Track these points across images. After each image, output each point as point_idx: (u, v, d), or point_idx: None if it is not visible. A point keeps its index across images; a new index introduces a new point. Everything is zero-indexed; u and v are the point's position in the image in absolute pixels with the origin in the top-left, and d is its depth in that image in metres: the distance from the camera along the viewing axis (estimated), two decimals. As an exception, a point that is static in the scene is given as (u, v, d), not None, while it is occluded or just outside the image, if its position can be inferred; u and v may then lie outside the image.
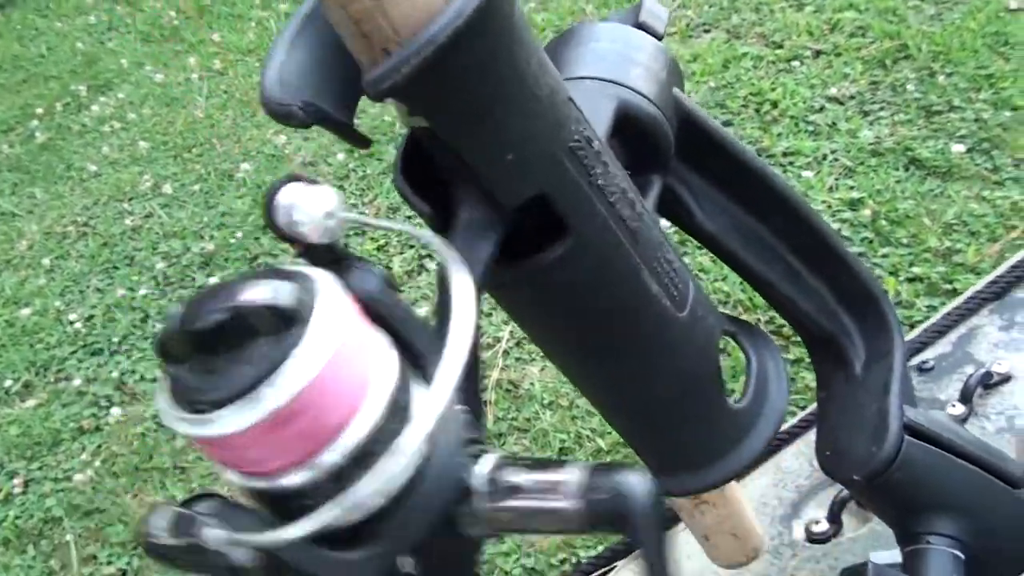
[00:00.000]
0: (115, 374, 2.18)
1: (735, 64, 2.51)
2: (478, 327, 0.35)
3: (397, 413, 0.32)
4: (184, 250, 2.52)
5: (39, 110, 3.52)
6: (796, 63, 2.47)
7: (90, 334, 2.33)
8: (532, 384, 1.85)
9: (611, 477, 0.35)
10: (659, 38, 0.55)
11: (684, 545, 0.82)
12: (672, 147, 0.52)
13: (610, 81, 0.50)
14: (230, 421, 0.29)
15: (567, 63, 0.52)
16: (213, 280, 2.36)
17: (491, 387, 1.87)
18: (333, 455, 0.31)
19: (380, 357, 0.33)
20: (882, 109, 2.24)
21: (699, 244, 0.59)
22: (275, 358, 0.29)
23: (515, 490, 0.35)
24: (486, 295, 0.48)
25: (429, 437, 0.32)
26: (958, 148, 2.03)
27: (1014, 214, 1.86)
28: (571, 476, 0.35)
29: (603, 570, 0.93)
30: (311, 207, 0.34)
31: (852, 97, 2.31)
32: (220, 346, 0.30)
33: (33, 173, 3.15)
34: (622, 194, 0.45)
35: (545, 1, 3.10)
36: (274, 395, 0.29)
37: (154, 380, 2.13)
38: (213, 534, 0.30)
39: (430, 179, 0.45)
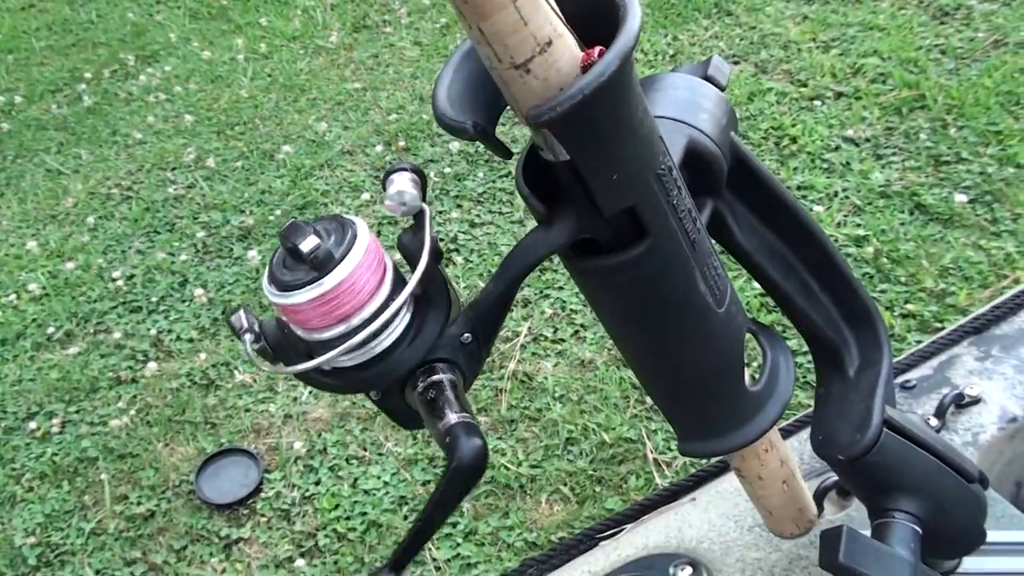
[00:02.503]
0: (152, 331, 2.31)
1: (760, 98, 2.65)
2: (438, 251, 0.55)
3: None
4: (224, 222, 2.65)
5: (87, 75, 3.65)
6: (818, 102, 2.61)
7: (130, 292, 2.46)
8: (545, 378, 1.98)
9: (460, 433, 0.51)
10: (722, 89, 0.70)
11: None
12: (725, 179, 0.66)
13: (683, 122, 0.64)
14: (299, 295, 0.51)
15: (650, 103, 0.67)
16: (251, 253, 2.49)
17: (507, 377, 2.00)
18: (353, 321, 0.52)
19: (388, 275, 0.54)
20: (894, 154, 2.38)
21: (733, 258, 0.73)
22: (324, 269, 0.51)
23: (432, 403, 0.54)
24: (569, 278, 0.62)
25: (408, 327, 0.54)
26: (961, 198, 2.17)
27: (1007, 264, 2.00)
28: (452, 417, 0.52)
29: (608, 533, 1.06)
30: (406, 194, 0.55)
31: (867, 140, 2.45)
32: (299, 259, 0.51)
33: (79, 135, 3.28)
34: (688, 212, 0.59)
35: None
36: (320, 287, 0.51)
37: (190, 340, 2.27)
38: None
39: (542, 184, 0.59)
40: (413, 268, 0.54)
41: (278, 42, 3.57)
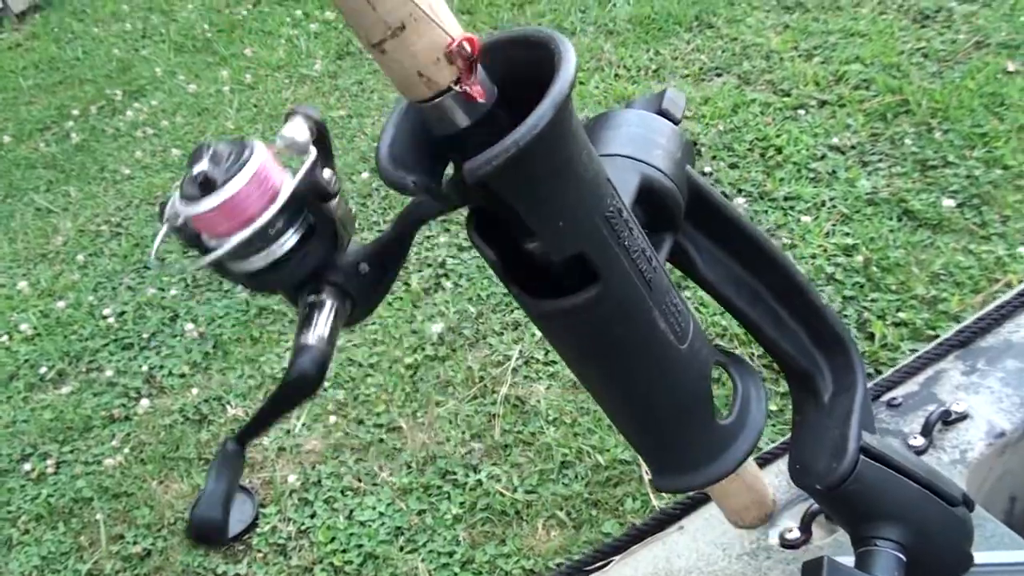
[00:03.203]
0: (144, 368, 2.31)
1: (744, 109, 2.65)
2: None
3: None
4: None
5: (74, 111, 3.66)
6: (802, 111, 2.61)
7: (121, 329, 2.46)
8: (538, 401, 1.98)
9: (303, 355, 0.56)
10: (676, 122, 0.69)
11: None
12: (682, 213, 0.66)
13: (636, 159, 0.64)
14: (205, 204, 0.54)
15: (603, 141, 0.67)
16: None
17: (499, 402, 1.99)
18: (237, 235, 0.56)
19: (283, 185, 0.57)
20: (880, 160, 2.38)
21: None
22: (224, 180, 0.55)
23: (305, 318, 0.59)
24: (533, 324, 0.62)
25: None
26: (949, 202, 2.17)
27: (998, 268, 1.99)
28: (307, 338, 0.58)
29: (597, 565, 1.05)
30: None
31: (853, 147, 2.45)
32: (205, 178, 0.55)
33: (68, 172, 3.29)
34: (642, 252, 0.59)
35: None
36: (222, 195, 0.54)
37: (182, 376, 2.27)
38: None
39: (491, 235, 0.59)
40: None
41: (263, 72, 3.58)
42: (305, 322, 0.60)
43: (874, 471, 0.70)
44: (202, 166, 0.56)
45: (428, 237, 2.50)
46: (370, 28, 0.48)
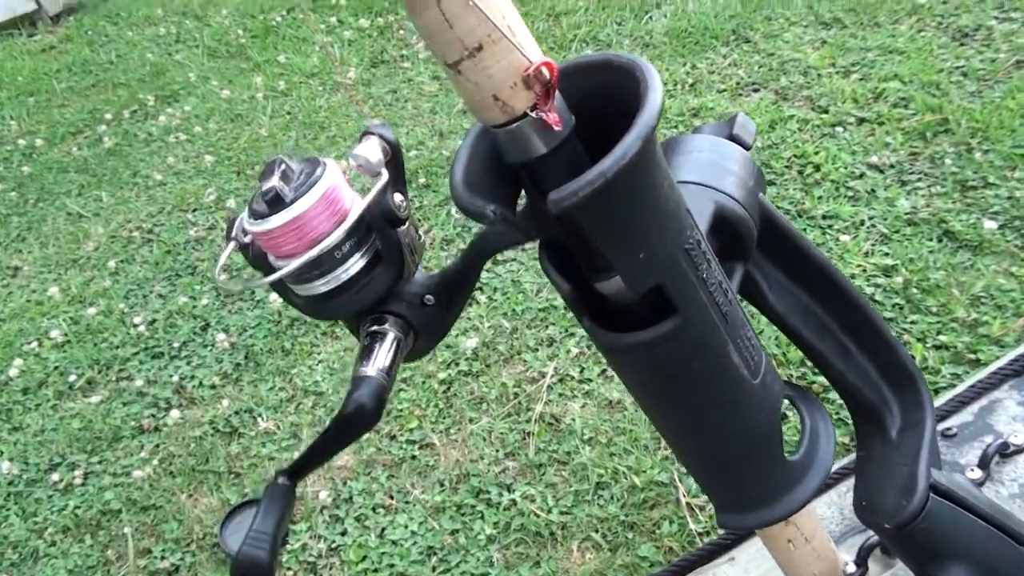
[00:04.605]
0: (175, 378, 2.30)
1: (781, 126, 2.63)
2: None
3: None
4: (245, 264, 2.64)
5: (107, 115, 3.67)
6: (840, 128, 2.58)
7: (152, 337, 2.46)
8: (573, 419, 1.95)
9: (361, 386, 0.56)
10: (748, 148, 0.67)
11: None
12: (755, 242, 0.64)
13: (710, 187, 0.62)
14: (273, 221, 0.55)
15: (674, 167, 0.65)
16: (273, 295, 2.48)
17: (534, 420, 1.97)
18: (302, 257, 0.56)
19: (347, 223, 0.57)
20: (920, 180, 2.34)
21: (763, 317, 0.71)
22: (294, 197, 0.55)
23: (366, 349, 0.60)
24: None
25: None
26: (990, 224, 2.13)
27: (1041, 292, 1.96)
28: (367, 369, 0.57)
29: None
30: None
31: (892, 166, 2.41)
32: (275, 195, 0.55)
33: (100, 176, 3.30)
34: (718, 284, 0.57)
35: (601, 50, 3.22)
36: (290, 212, 0.55)
37: (212, 387, 2.26)
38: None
39: (564, 267, 0.58)
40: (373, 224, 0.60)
41: (297, 79, 3.58)
42: (365, 352, 0.59)
43: (944, 509, 0.68)
44: (272, 182, 0.56)
45: (462, 249, 2.48)
46: (447, 47, 0.47)
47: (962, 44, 2.81)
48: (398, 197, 0.58)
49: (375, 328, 0.60)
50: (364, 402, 0.56)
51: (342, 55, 3.66)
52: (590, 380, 2.05)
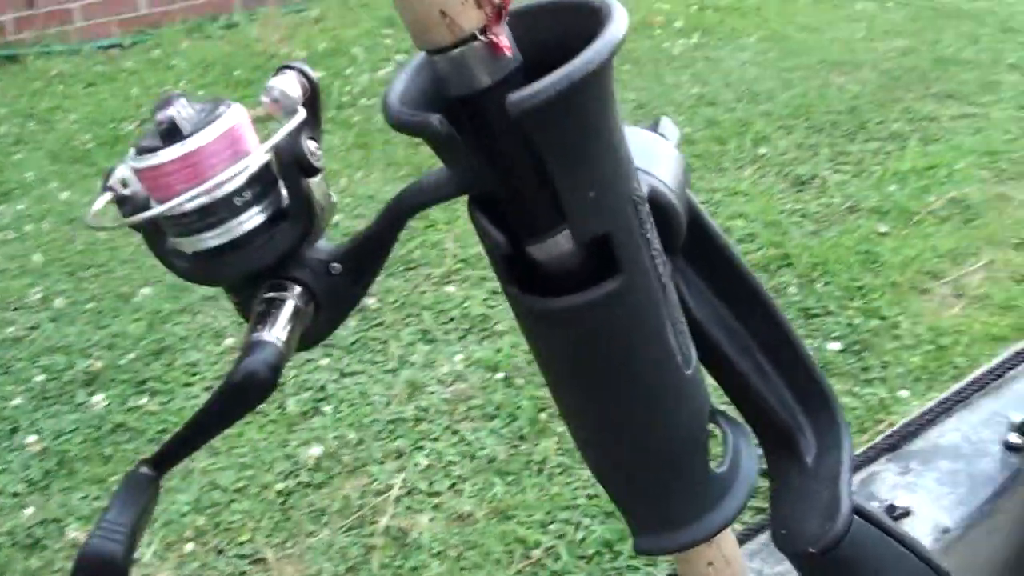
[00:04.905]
0: (-26, 485, 2.05)
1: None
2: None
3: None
4: (68, 365, 2.43)
5: (-71, 212, 3.41)
6: (690, 258, 2.66)
7: (-50, 441, 2.19)
8: (421, 533, 1.83)
9: (254, 352, 0.48)
10: None
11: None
12: (683, 236, 0.60)
13: (642, 170, 0.58)
14: (166, 154, 0.49)
15: None
16: (97, 398, 2.27)
17: (378, 533, 1.84)
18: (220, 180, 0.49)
19: (256, 155, 0.51)
20: (766, 307, 2.43)
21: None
22: (193, 130, 0.49)
23: (260, 315, 0.51)
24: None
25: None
26: (834, 346, 2.21)
27: (881, 409, 2.02)
28: (261, 334, 0.49)
29: None
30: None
31: (740, 293, 2.49)
32: (172, 125, 0.49)
33: (-88, 273, 3.02)
34: (660, 252, 0.52)
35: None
36: (187, 145, 0.49)
37: (15, 495, 2.02)
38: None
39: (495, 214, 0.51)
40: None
41: (142, 187, 3.45)
42: (260, 318, 0.50)
43: (868, 531, 0.64)
44: (169, 112, 0.49)
45: (309, 360, 2.37)
46: None
47: (800, 190, 3.00)
48: (312, 144, 0.51)
49: (272, 294, 0.52)
50: (257, 368, 0.47)
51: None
52: (440, 493, 1.95)
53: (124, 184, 0.51)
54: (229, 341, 2.49)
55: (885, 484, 1.01)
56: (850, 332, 2.27)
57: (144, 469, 0.49)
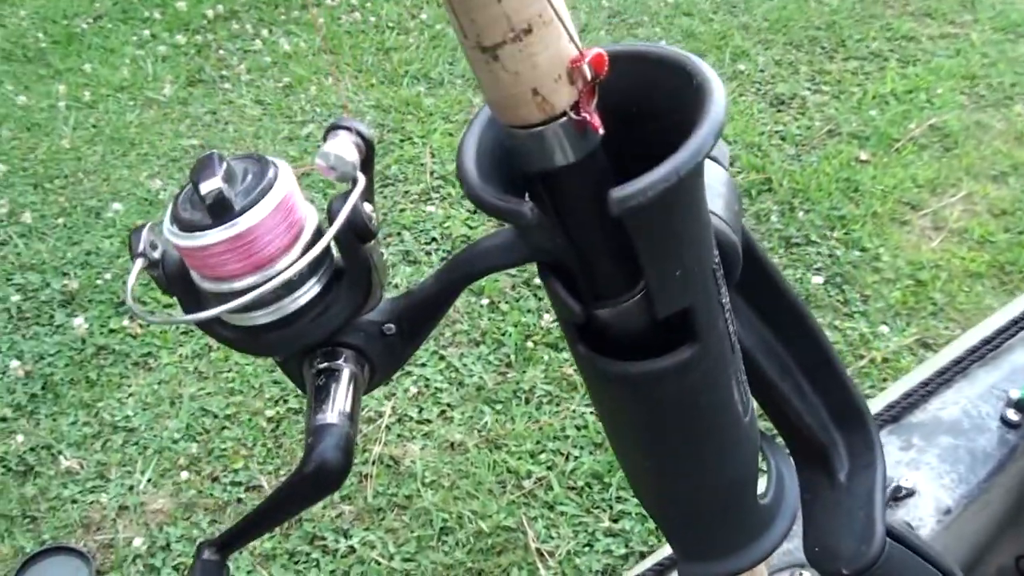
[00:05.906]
0: (-44, 410, 2.02)
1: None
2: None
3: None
4: (43, 284, 2.38)
5: None
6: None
7: (-73, 364, 2.15)
8: (413, 462, 1.86)
9: (324, 439, 0.47)
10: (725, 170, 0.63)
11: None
12: (739, 270, 0.60)
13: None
14: (217, 234, 0.45)
15: None
16: (77, 320, 2.23)
17: (371, 462, 1.87)
18: (249, 279, 0.46)
19: (303, 238, 0.47)
20: (748, 234, 2.44)
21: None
22: (244, 205, 0.45)
23: (319, 390, 0.49)
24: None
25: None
26: (816, 280, 2.24)
27: (862, 344, 2.07)
28: (327, 416, 0.48)
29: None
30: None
31: (722, 220, 2.51)
32: (220, 199, 0.45)
33: None
34: (731, 312, 0.52)
35: (433, 88, 3.19)
36: (240, 224, 0.45)
37: (3, 420, 1.99)
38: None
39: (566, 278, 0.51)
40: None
41: (104, 91, 3.31)
42: (319, 395, 0.49)
43: (900, 554, 0.67)
44: (215, 183, 0.44)
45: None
46: (487, 26, 0.39)
47: (779, 111, 2.99)
48: (368, 207, 0.48)
49: (327, 364, 0.50)
50: (328, 457, 0.46)
51: (155, 70, 3.43)
52: (429, 421, 1.97)
53: (153, 247, 0.48)
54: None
55: (889, 460, 1.05)
56: (832, 264, 2.30)
57: (208, 554, 0.49)
